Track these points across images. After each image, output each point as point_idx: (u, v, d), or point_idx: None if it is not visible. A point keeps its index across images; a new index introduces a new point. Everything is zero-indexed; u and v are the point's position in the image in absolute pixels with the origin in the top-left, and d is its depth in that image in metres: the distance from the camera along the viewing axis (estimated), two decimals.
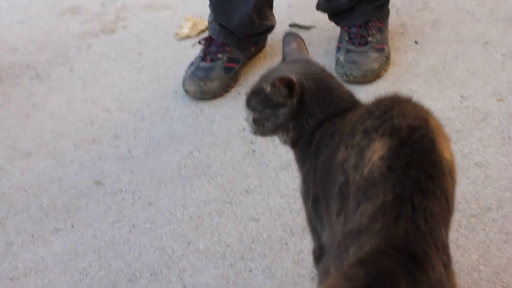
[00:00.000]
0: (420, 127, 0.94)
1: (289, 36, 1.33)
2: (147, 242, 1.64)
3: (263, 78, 1.23)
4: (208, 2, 2.18)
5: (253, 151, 1.88)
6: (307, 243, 1.54)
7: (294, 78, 1.13)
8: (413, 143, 0.92)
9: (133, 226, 1.69)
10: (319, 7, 2.26)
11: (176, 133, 2.01)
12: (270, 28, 2.25)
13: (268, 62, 2.27)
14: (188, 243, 1.62)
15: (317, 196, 1.13)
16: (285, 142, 1.22)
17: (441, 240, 0.88)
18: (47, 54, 2.54)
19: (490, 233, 1.53)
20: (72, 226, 1.72)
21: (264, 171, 1.81)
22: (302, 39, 1.33)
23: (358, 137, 0.97)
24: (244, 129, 1.96)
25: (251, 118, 1.23)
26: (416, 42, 2.29)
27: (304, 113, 1.16)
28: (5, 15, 2.90)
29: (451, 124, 1.86)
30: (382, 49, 2.15)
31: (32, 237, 1.70)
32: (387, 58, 2.16)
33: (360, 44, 2.13)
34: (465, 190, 1.64)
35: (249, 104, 1.23)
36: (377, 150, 0.92)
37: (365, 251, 0.86)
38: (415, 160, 0.90)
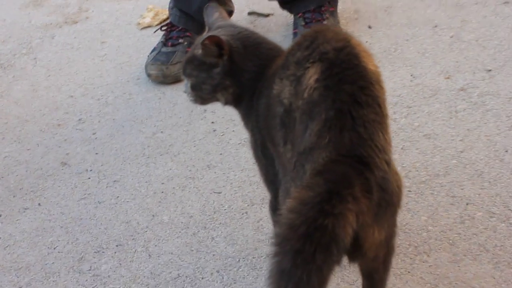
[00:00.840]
0: (344, 47, 1.03)
1: (211, 8, 1.41)
2: (112, 216, 1.70)
3: (194, 47, 1.31)
4: None
5: (214, 130, 1.95)
6: (266, 212, 1.62)
7: (222, 37, 1.22)
8: (341, 62, 1.01)
9: (99, 202, 1.75)
10: None
11: (140, 115, 2.07)
12: (229, 13, 2.32)
13: None
14: (153, 216, 1.68)
15: (264, 141, 1.22)
16: (227, 102, 1.30)
17: (380, 142, 0.99)
18: (11, 45, 2.57)
19: (438, 197, 1.62)
20: (39, 204, 1.77)
21: (225, 148, 1.88)
22: (223, 10, 1.42)
23: (292, 68, 1.07)
24: (205, 110, 2.04)
25: (189, 85, 1.31)
26: (369, 27, 2.39)
27: (238, 69, 1.24)
28: None
29: (402, 101, 1.96)
30: None
31: (0, 216, 1.75)
32: None
33: None
34: (414, 159, 1.74)
35: (185, 72, 1.30)
36: (312, 75, 1.01)
37: (319, 163, 0.96)
38: (346, 76, 1.00)
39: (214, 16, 1.38)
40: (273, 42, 1.30)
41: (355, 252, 0.99)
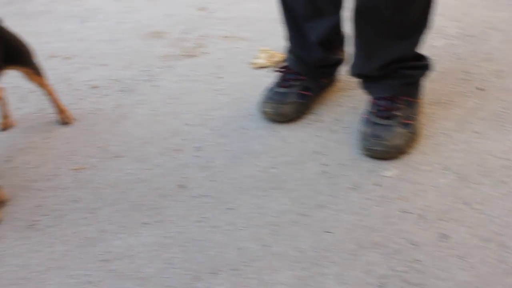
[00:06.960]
0: None
1: None
2: (227, 241, 1.79)
3: None
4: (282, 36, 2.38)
5: (325, 172, 2.03)
6: (376, 256, 1.68)
7: None
8: None
9: (214, 227, 1.85)
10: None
11: (253, 150, 2.17)
12: (339, 61, 2.41)
13: (339, 95, 2.44)
14: (265, 246, 1.76)
15: None
16: None
17: None
18: (133, 71, 2.76)
19: None
20: (157, 221, 1.88)
21: (336, 190, 1.95)
22: None
23: None
24: (316, 152, 2.12)
25: None
26: (478, 88, 2.43)
27: None
28: (94, 35, 3.15)
29: None
30: (408, 124, 2.11)
31: (122, 227, 1.87)
32: (414, 134, 2.12)
33: (385, 118, 2.11)
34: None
35: None
36: None
37: None
38: None
39: None
40: None
41: None
